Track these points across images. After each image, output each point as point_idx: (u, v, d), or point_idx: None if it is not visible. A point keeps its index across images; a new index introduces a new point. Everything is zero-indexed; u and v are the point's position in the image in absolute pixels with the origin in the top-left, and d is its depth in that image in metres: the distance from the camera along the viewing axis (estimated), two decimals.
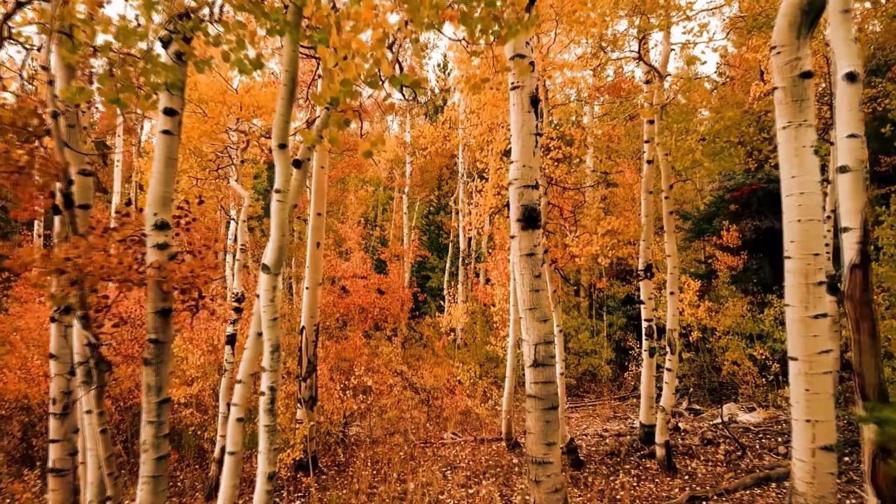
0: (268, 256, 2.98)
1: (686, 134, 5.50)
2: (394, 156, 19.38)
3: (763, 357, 9.24)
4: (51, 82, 3.21)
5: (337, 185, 17.92)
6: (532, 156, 4.34)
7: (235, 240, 16.95)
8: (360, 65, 2.12)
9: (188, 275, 3.14)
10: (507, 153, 8.25)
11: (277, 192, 2.97)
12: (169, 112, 3.35)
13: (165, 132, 3.35)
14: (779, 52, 3.49)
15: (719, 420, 8.51)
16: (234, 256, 16.13)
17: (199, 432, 7.14)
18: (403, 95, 3.01)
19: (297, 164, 3.30)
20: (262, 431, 3.01)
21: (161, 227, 3.27)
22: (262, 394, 3.02)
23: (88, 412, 3.55)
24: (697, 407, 9.98)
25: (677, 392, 10.69)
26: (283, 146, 2.97)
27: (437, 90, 28.57)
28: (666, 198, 6.98)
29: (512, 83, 4.45)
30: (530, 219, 4.26)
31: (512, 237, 4.38)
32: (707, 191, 12.27)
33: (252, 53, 2.63)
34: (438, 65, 26.03)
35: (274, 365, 3.01)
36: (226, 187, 15.39)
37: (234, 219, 15.66)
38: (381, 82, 2.36)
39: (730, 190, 10.48)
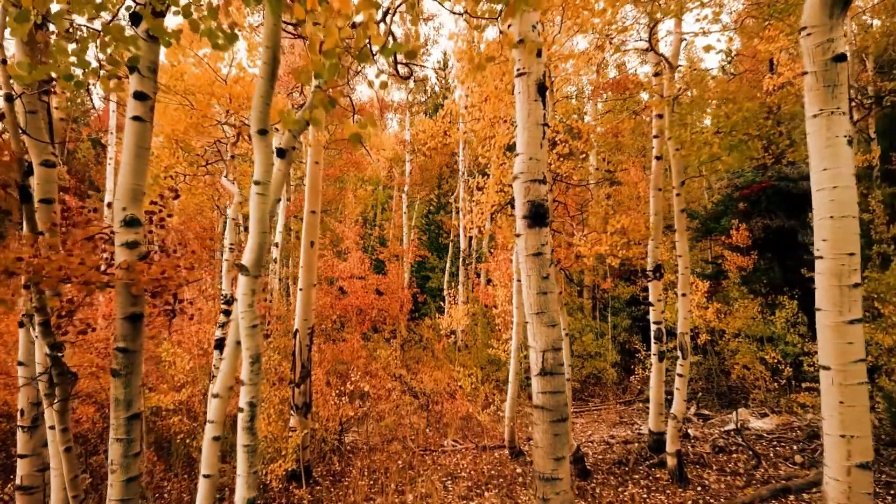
0: (246, 256, 2.66)
1: (702, 126, 5.18)
2: (393, 154, 19.07)
3: (775, 361, 8.91)
4: (3, 61, 2.88)
5: (335, 183, 17.60)
6: (539, 148, 4.01)
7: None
8: (344, 29, 1.80)
9: (158, 276, 2.81)
10: (511, 148, 7.92)
11: (257, 183, 2.64)
12: (139, 96, 3.02)
13: (136, 119, 3.03)
14: (809, 34, 3.18)
15: (731, 427, 8.18)
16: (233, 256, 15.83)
17: (188, 440, 6.81)
18: (397, 71, 2.67)
19: (281, 153, 2.97)
20: (240, 452, 2.68)
21: (131, 223, 2.94)
22: (241, 410, 2.69)
23: (52, 428, 3.22)
24: (706, 412, 9.65)
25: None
26: (263, 132, 2.64)
27: (437, 88, 28.27)
28: (677, 195, 6.66)
29: (518, 69, 4.11)
30: (537, 216, 3.93)
31: (517, 236, 4.04)
32: (715, 189, 11.94)
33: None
34: (438, 62, 25.71)
35: (254, 378, 2.68)
36: (222, 185, 15.08)
37: (235, 220, 15.35)
38: (371, 55, 2.04)
39: (739, 188, 10.16)
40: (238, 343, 2.85)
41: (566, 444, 3.78)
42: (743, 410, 8.86)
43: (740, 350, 9.50)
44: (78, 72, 2.47)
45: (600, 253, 5.58)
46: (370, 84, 2.95)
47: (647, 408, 10.84)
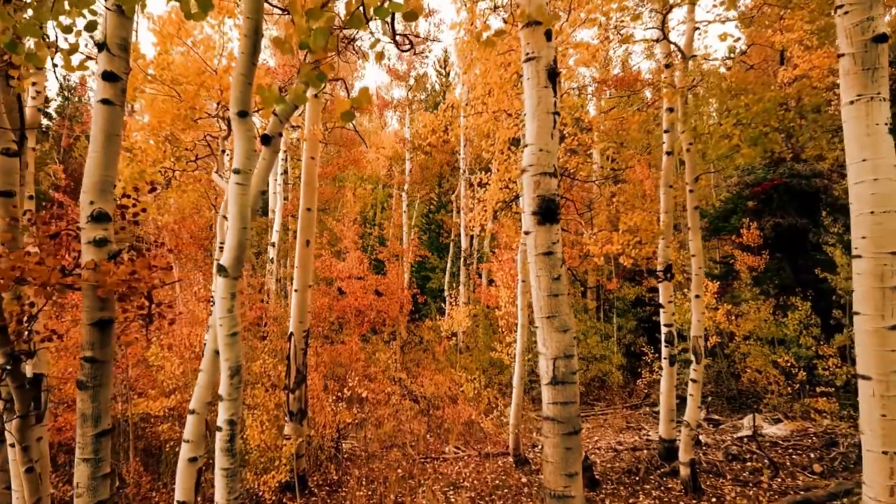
0: (225, 255, 2.35)
1: (720, 118, 4.87)
2: (393, 153, 18.75)
3: (788, 364, 8.59)
4: None
5: (334, 182, 17.28)
6: (550, 138, 3.70)
7: None
8: None
9: (127, 277, 2.50)
10: (516, 143, 7.60)
11: (237, 172, 2.34)
12: (109, 77, 2.71)
13: (105, 102, 2.72)
14: (847, 12, 2.90)
15: (745, 433, 7.88)
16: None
17: (178, 449, 6.49)
18: (395, 39, 2.36)
19: (266, 140, 2.66)
20: (218, 477, 2.38)
21: (99, 218, 2.64)
22: (218, 429, 2.38)
23: (12, 445, 2.92)
24: (716, 417, 9.34)
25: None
26: (243, 114, 2.33)
27: (437, 86, 27.95)
28: (691, 191, 6.35)
29: (527, 54, 3.79)
30: (548, 212, 3.62)
31: (525, 233, 3.73)
32: (723, 187, 11.63)
33: None
34: (438, 60, 25.40)
35: (233, 392, 2.38)
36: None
37: (226, 217, 15.03)
38: (365, 19, 1.74)
39: (749, 185, 9.85)
40: (216, 353, 2.54)
41: (579, 459, 3.47)
42: (755, 415, 8.54)
43: (751, 353, 9.19)
44: (29, 43, 2.17)
45: (613, 252, 5.28)
46: (364, 56, 2.65)
47: (655, 412, 10.54)
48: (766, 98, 4.87)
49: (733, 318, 9.59)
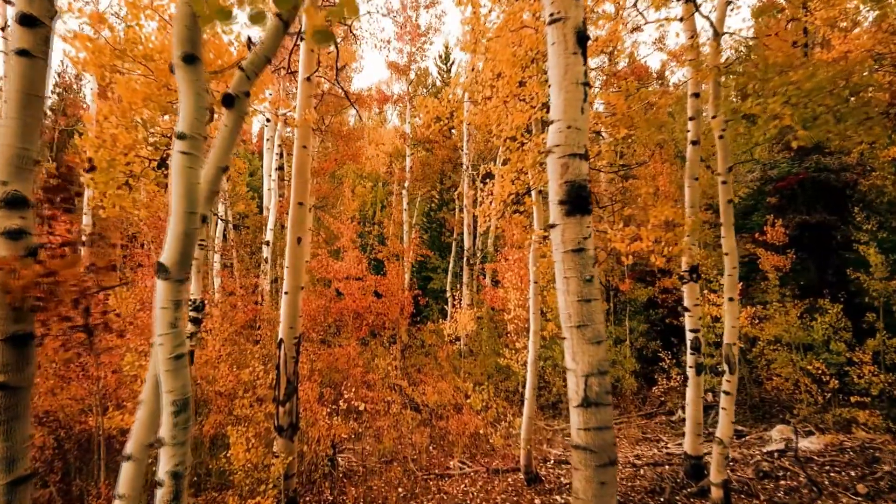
0: (166, 251, 1.73)
1: (768, 97, 4.26)
2: (393, 149, 18.13)
3: (819, 372, 7.97)
4: None
5: (332, 178, 16.66)
6: (580, 113, 3.08)
7: (225, 238, 15.71)
8: None
9: (42, 280, 1.89)
10: (528, 130, 6.98)
11: (182, 138, 1.72)
12: (27, 21, 2.11)
13: (22, 53, 2.11)
14: None
15: (775, 447, 7.26)
16: (221, 256, 14.88)
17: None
18: None
19: (229, 100, 2.04)
20: None
21: (13, 203, 2.05)
22: (158, 485, 1.76)
23: None
24: (739, 427, 8.72)
25: (713, 409, 9.44)
26: (190, 59, 1.72)
27: (437, 82, 27.33)
28: (723, 183, 5.74)
29: (551, 14, 3.17)
30: (578, 200, 3.01)
31: (550, 227, 3.10)
32: (743, 182, 11.03)
33: None
34: (440, 55, 24.79)
35: (179, 435, 1.76)
36: None
37: (221, 217, 14.41)
38: None
39: (773, 180, 9.23)
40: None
41: (614, 495, 2.86)
42: (784, 427, 7.92)
43: (777, 359, 8.56)
44: None
45: (643, 250, 4.69)
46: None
47: (672, 421, 9.92)
48: (819, 74, 4.25)
49: (756, 321, 8.97)
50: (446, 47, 26.19)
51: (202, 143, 1.73)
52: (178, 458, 1.76)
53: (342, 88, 5.31)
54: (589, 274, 2.94)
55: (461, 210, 15.87)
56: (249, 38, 2.81)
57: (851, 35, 7.06)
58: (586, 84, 3.13)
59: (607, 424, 2.86)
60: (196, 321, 5.17)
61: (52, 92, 31.02)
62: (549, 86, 3.19)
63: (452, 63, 24.45)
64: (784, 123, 4.11)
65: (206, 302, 6.71)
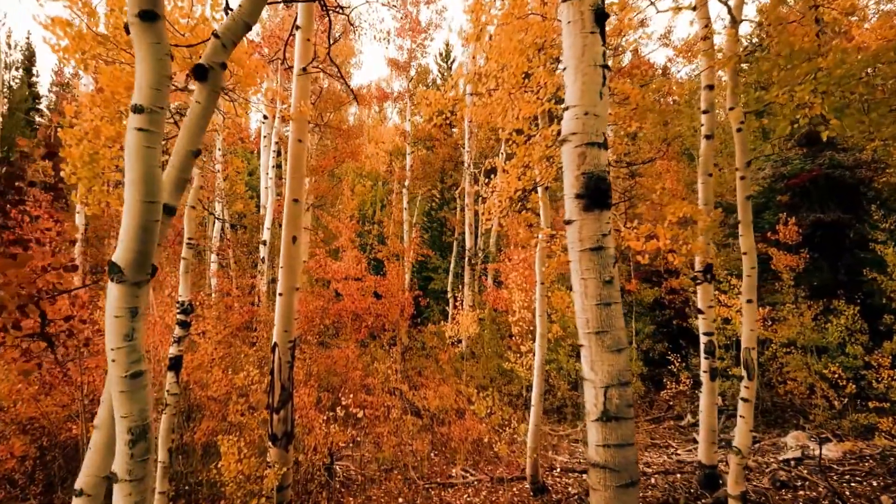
0: (119, 248, 1.44)
1: (793, 85, 3.97)
2: (393, 147, 17.84)
3: (835, 376, 7.68)
4: None
5: (331, 176, 16.36)
6: (598, 98, 2.82)
7: (222, 238, 15.41)
8: None
9: None
10: (535, 120, 6.68)
11: (138, 110, 1.42)
12: None
13: None
14: None
15: (791, 455, 6.96)
16: (217, 256, 14.57)
17: None
18: None
19: (201, 71, 1.74)
20: None
21: None
22: None
23: None
24: (752, 433, 8.41)
25: (723, 413, 9.15)
26: (149, 15, 1.42)
27: (438, 80, 27.02)
28: (742, 178, 5.45)
29: None
30: (597, 194, 2.74)
31: (566, 223, 2.83)
32: (752, 179, 10.72)
33: None
34: (440, 53, 24.50)
35: (136, 470, 1.47)
36: (211, 175, 13.81)
37: (217, 216, 14.10)
38: None
39: (785, 177, 8.93)
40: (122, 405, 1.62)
41: None
42: (799, 433, 7.63)
43: (790, 363, 8.26)
44: None
45: (660, 249, 4.40)
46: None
47: (681, 427, 9.62)
48: (849, 60, 3.96)
49: (769, 323, 8.68)
50: (447, 45, 25.91)
51: (163, 119, 1.43)
52: (137, 497, 1.46)
53: (333, 62, 5.00)
54: (609, 275, 2.66)
55: (462, 209, 15.58)
56: (227, 3, 2.52)
57: (874, 24, 6.77)
58: (605, 66, 2.84)
59: (629, 440, 2.57)
60: (184, 324, 4.87)
61: (49, 91, 30.67)
62: (564, 69, 2.91)
63: (453, 61, 24.17)
64: (814, 112, 3.82)
65: (194, 304, 6.43)
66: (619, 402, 2.56)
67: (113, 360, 1.45)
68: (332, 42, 5.26)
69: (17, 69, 26.70)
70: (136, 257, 1.44)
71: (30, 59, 27.68)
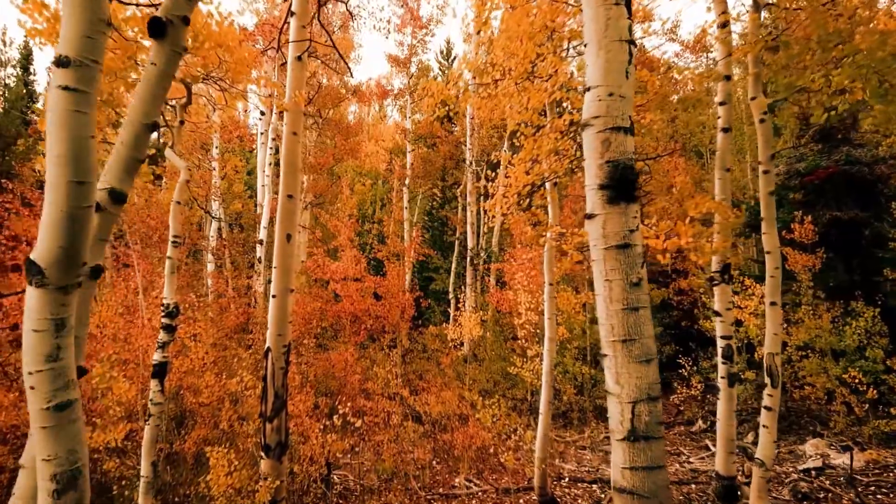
0: (39, 244, 1.11)
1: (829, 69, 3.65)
2: (393, 144, 17.50)
3: (855, 381, 7.35)
4: None
5: (330, 174, 16.02)
6: (624, 77, 2.51)
7: (219, 238, 15.06)
8: None
9: None
10: (543, 113, 6.35)
11: (62, 63, 1.09)
12: None
13: None
14: None
15: (812, 465, 6.63)
16: (215, 257, 14.23)
17: (126, 493, 5.28)
18: None
19: (158, 27, 1.41)
20: None
21: None
22: None
23: None
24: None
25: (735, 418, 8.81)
26: None
27: (439, 78, 26.69)
28: (765, 172, 5.13)
29: None
30: (623, 184, 2.43)
31: (588, 217, 2.49)
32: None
33: None
34: (441, 51, 24.19)
35: None
36: (208, 173, 13.47)
37: (214, 215, 13.76)
38: None
39: (800, 174, 8.61)
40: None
41: None
42: (818, 441, 7.30)
43: (807, 367, 7.93)
44: None
45: (682, 247, 4.09)
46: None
47: (692, 432, 9.28)
48: (891, 42, 3.64)
49: (784, 325, 8.34)
50: (448, 42, 25.59)
51: (96, 75, 1.11)
52: None
53: (326, 30, 4.67)
54: (637, 276, 2.33)
55: (464, 208, 15.25)
56: None
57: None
58: (631, 42, 2.51)
59: (659, 463, 2.24)
60: (169, 329, 4.54)
61: (46, 89, 30.46)
62: (585, 44, 2.59)
63: (454, 59, 23.85)
64: (854, 98, 3.49)
65: (184, 306, 6.12)
66: (649, 419, 2.24)
67: (31, 388, 1.12)
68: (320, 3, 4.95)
69: (13, 67, 26.40)
70: (61, 254, 1.11)
71: (27, 56, 27.39)
